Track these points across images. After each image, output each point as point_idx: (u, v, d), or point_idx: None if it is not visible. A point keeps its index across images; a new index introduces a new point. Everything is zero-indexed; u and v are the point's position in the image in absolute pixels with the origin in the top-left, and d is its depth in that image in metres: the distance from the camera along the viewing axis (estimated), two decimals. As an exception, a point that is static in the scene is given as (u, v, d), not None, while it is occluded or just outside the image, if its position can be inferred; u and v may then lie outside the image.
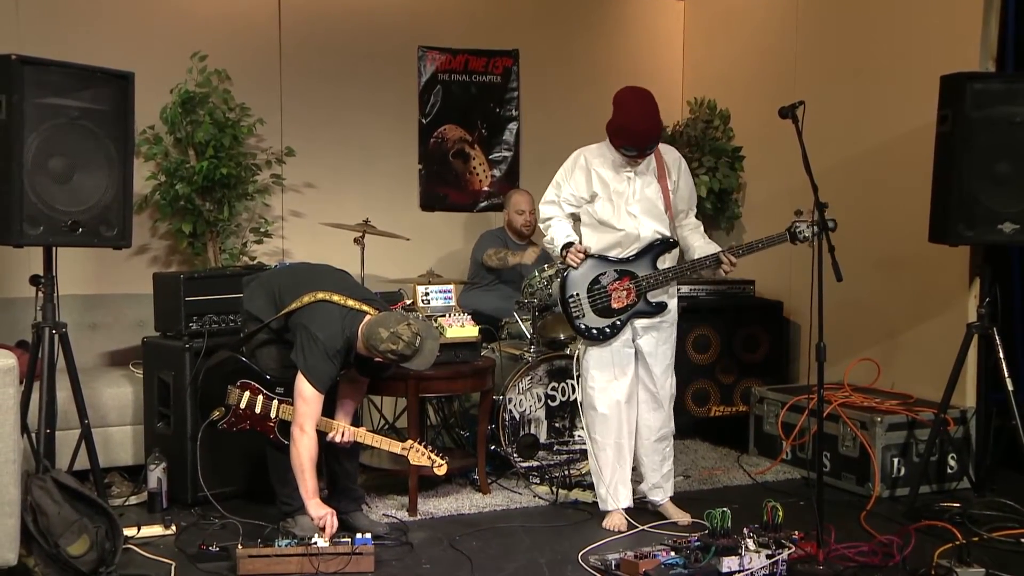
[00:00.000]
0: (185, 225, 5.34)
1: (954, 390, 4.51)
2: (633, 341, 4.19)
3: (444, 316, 4.63)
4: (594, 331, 4.13)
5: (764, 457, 5.29)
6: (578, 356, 4.32)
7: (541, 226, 4.29)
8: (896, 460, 4.67)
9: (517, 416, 4.84)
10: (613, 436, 4.20)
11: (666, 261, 4.18)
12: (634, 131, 3.99)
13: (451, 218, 6.38)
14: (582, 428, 4.38)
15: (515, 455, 4.82)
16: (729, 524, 3.59)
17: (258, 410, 3.93)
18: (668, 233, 4.16)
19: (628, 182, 4.11)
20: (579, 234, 4.23)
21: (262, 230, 5.67)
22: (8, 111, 3.72)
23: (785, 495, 4.55)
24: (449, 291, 4.87)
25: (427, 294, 4.81)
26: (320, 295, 3.83)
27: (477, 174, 6.48)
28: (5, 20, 5.14)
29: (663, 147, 4.19)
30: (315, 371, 3.74)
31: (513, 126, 6.53)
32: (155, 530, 4.02)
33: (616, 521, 4.16)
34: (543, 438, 4.91)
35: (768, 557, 3.52)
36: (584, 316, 4.12)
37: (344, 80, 6.05)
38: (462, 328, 4.60)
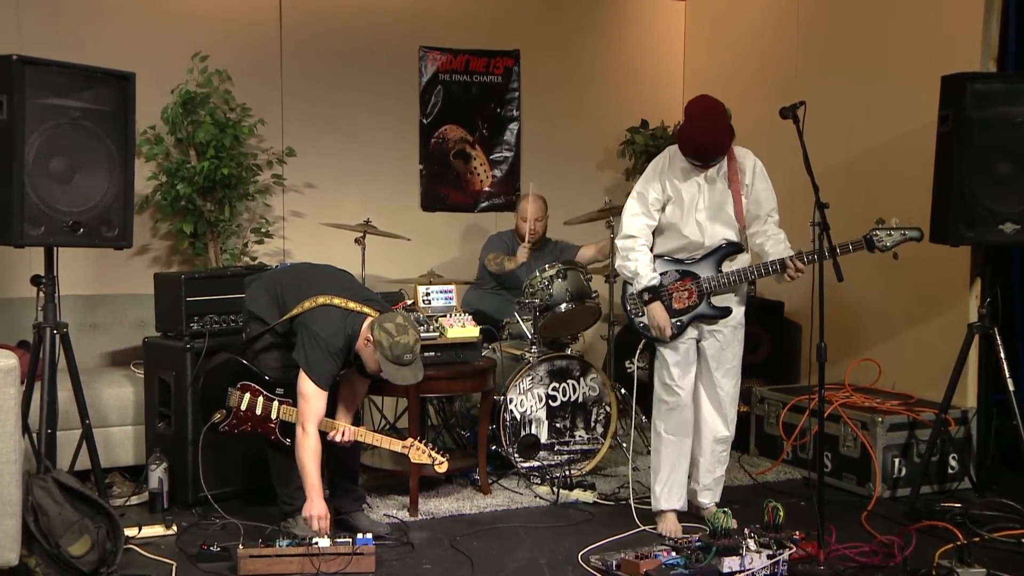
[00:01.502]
0: (186, 225, 5.35)
1: (955, 390, 4.51)
2: (698, 342, 4.16)
3: (445, 316, 4.63)
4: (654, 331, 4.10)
5: (765, 457, 5.29)
6: (649, 348, 4.26)
7: (621, 243, 4.11)
8: (897, 460, 4.67)
9: (518, 416, 4.84)
10: (679, 431, 4.16)
11: (734, 265, 4.10)
12: (699, 144, 3.94)
13: (452, 218, 6.39)
14: (649, 422, 4.32)
15: (516, 455, 4.83)
16: (730, 524, 3.59)
17: (259, 412, 3.93)
18: (736, 238, 4.10)
19: (697, 187, 4.06)
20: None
21: (263, 230, 5.67)
22: (9, 111, 3.72)
23: (786, 495, 4.55)
24: (450, 291, 4.87)
25: (428, 294, 4.81)
26: (321, 300, 3.84)
27: (478, 174, 6.48)
28: (6, 20, 5.14)
29: (739, 151, 4.11)
30: (317, 368, 3.74)
31: (514, 126, 6.53)
32: (156, 530, 4.02)
33: (672, 525, 4.10)
34: (544, 438, 4.91)
35: (769, 557, 3.52)
36: (643, 315, 4.09)
37: (345, 80, 6.06)
38: (463, 328, 4.60)
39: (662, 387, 4.16)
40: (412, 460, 3.93)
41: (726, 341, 4.15)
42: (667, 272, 4.10)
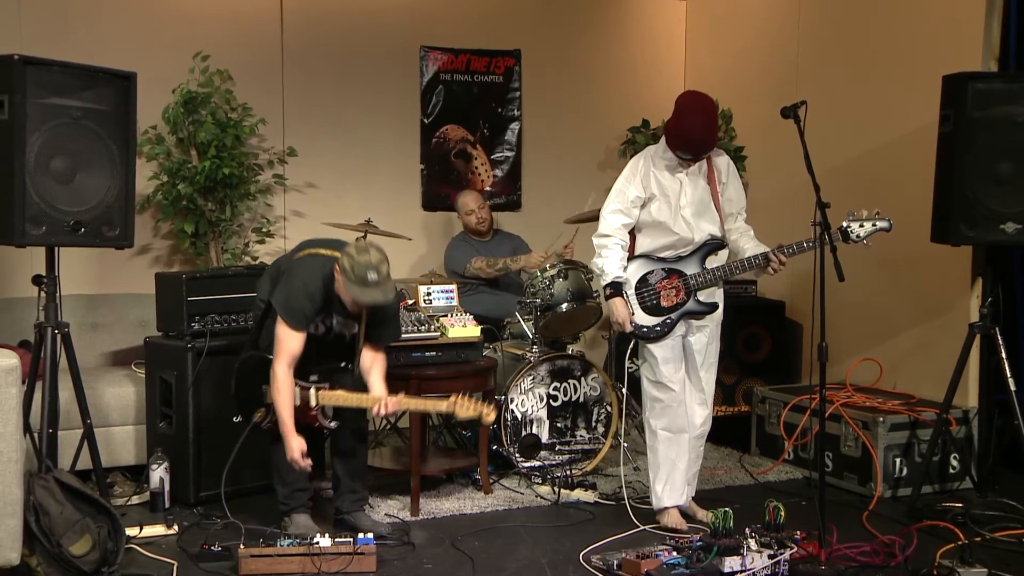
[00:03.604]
0: (187, 225, 5.35)
1: (956, 390, 4.51)
2: (684, 337, 4.16)
3: (446, 316, 4.63)
4: (644, 329, 4.10)
5: (766, 457, 5.29)
6: (637, 349, 4.23)
7: (596, 240, 4.14)
8: (898, 460, 4.66)
9: (519, 416, 4.84)
10: (676, 427, 4.15)
11: (715, 262, 4.13)
12: (694, 139, 3.97)
13: (453, 218, 6.37)
14: (641, 420, 4.28)
15: (517, 455, 4.83)
16: (731, 524, 3.59)
17: (297, 403, 3.90)
18: (720, 234, 4.14)
19: (680, 184, 4.08)
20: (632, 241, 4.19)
21: (264, 230, 5.67)
22: (10, 111, 3.73)
23: (787, 495, 4.55)
24: (451, 291, 4.87)
25: (429, 294, 4.81)
26: (304, 252, 3.95)
27: (479, 174, 6.48)
28: (7, 20, 5.15)
29: (713, 150, 4.14)
30: (290, 308, 3.79)
31: (515, 126, 6.53)
32: (157, 530, 4.03)
33: (676, 519, 4.12)
34: (545, 438, 4.91)
35: (770, 557, 3.52)
36: (633, 315, 4.09)
37: (346, 80, 6.06)
38: (464, 328, 4.60)
39: (654, 385, 4.16)
40: (459, 416, 3.87)
41: (712, 336, 4.19)
42: (653, 271, 4.12)
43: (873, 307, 5.33)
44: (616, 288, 4.08)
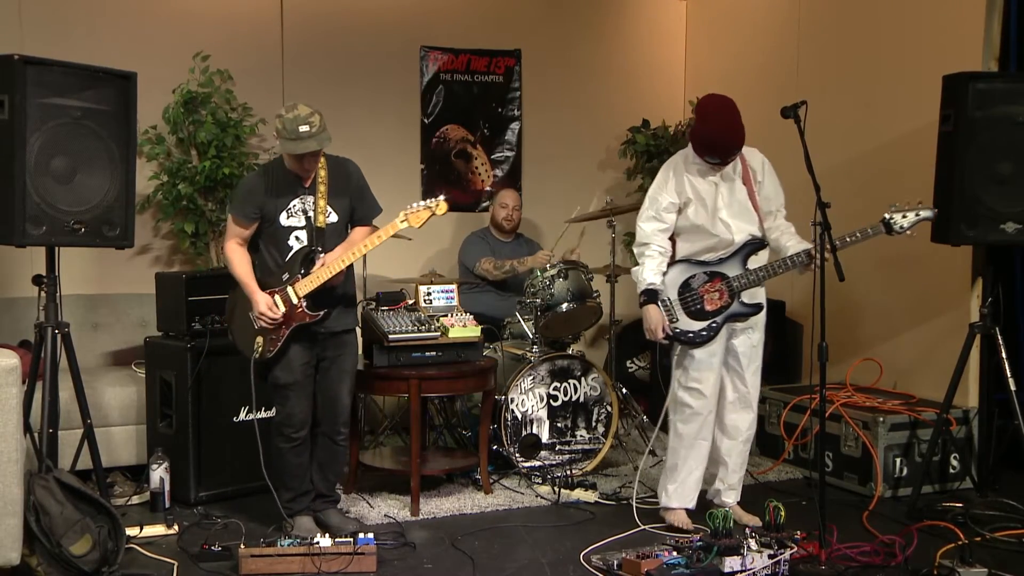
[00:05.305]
0: (187, 225, 5.35)
1: (956, 390, 4.51)
2: (729, 340, 4.13)
3: (446, 316, 4.63)
4: (690, 335, 4.05)
5: (766, 457, 5.29)
6: (673, 354, 4.20)
7: (636, 249, 4.15)
8: (898, 460, 4.66)
9: (519, 416, 4.84)
10: (701, 435, 4.13)
11: (756, 262, 4.09)
12: (717, 143, 3.96)
13: (453, 218, 6.37)
14: (667, 422, 4.22)
15: (517, 455, 4.83)
16: (731, 524, 3.59)
17: (283, 308, 3.90)
18: (760, 234, 4.11)
19: (715, 187, 4.06)
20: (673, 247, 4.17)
21: (264, 230, 5.67)
22: (11, 111, 3.73)
23: (787, 495, 4.55)
24: (452, 291, 4.87)
25: (429, 294, 4.81)
26: None
27: (479, 174, 6.48)
28: (7, 20, 5.15)
29: (747, 150, 4.11)
30: (232, 202, 4.10)
31: (515, 126, 6.53)
32: (157, 530, 4.03)
33: (684, 518, 4.13)
34: (545, 438, 4.91)
35: (770, 557, 3.52)
36: (677, 320, 4.05)
37: (346, 80, 6.05)
38: (464, 328, 4.59)
39: (687, 391, 4.12)
40: (415, 226, 3.93)
41: (758, 339, 4.16)
42: (695, 275, 4.08)
43: (873, 307, 5.33)
44: (650, 295, 4.04)
